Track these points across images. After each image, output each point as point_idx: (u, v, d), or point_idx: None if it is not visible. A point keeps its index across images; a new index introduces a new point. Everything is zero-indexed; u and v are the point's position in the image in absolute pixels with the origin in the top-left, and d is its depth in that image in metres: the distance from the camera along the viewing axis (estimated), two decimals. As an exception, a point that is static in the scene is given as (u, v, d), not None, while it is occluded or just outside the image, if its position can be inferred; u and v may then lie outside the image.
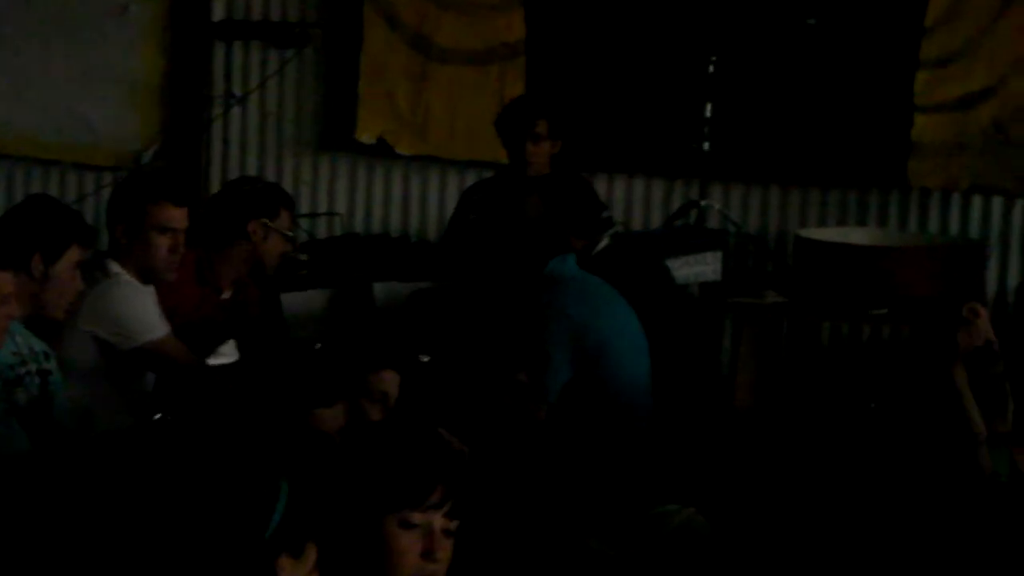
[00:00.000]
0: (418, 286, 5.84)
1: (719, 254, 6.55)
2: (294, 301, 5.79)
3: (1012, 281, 6.83)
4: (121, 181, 5.52)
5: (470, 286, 5.15)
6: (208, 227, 5.57)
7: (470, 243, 5.26)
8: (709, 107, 6.79)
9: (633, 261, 5.66)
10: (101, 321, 4.85)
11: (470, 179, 7.31)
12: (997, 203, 6.82)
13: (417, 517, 2.87)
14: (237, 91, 7.49)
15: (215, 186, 7.29)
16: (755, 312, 6.38)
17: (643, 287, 5.36)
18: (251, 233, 5.48)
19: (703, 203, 6.78)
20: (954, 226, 6.88)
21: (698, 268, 6.34)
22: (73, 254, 4.57)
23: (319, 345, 5.02)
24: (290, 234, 5.65)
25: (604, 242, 5.68)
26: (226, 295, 5.56)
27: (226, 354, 5.25)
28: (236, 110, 7.50)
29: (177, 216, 5.05)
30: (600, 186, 6.64)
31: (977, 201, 6.84)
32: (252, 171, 7.49)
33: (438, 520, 2.90)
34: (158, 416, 4.73)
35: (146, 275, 5.03)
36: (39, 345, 4.47)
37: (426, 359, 4.82)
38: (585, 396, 4.87)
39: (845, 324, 6.88)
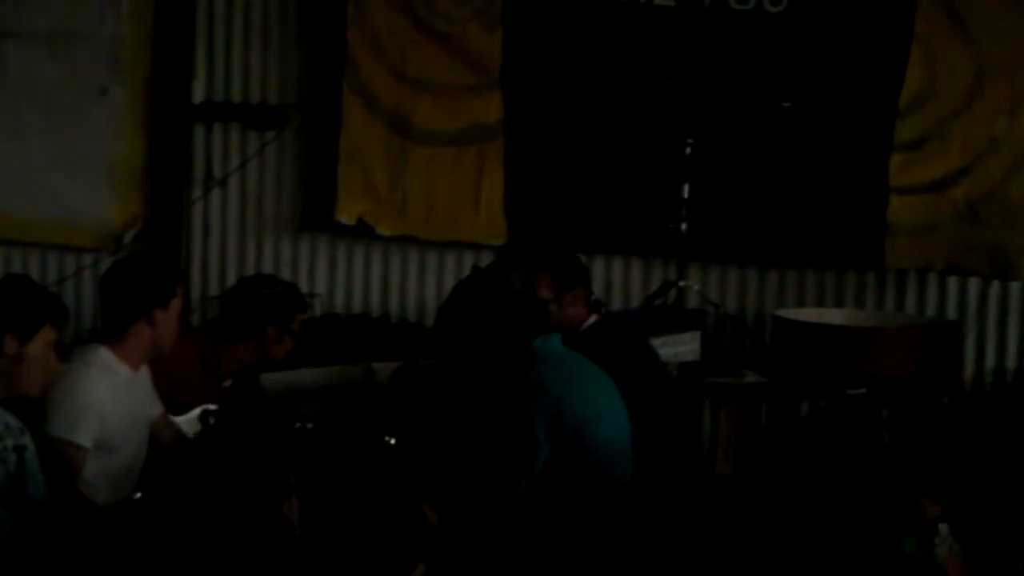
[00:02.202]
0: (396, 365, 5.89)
1: (698, 334, 6.57)
2: (276, 380, 5.82)
3: (989, 361, 6.87)
4: (139, 263, 5.48)
5: (454, 362, 5.15)
6: (222, 320, 5.68)
7: (455, 320, 5.27)
8: (686, 188, 6.83)
9: (619, 339, 5.67)
10: (46, 398, 4.88)
11: (450, 260, 7.35)
12: (973, 283, 6.87)
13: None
14: (217, 173, 7.52)
15: (196, 267, 7.31)
16: (734, 392, 6.40)
17: (629, 365, 5.38)
18: (267, 338, 5.58)
19: (681, 283, 6.81)
20: (931, 306, 6.93)
21: (677, 348, 6.37)
22: (47, 334, 4.58)
23: (301, 425, 5.06)
24: (297, 336, 5.73)
25: (592, 319, 5.70)
26: (227, 383, 5.64)
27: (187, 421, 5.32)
28: (216, 191, 7.53)
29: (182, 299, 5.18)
30: (579, 266, 6.66)
31: (953, 281, 6.90)
32: (232, 251, 7.53)
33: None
34: (138, 496, 4.74)
35: (154, 356, 5.08)
36: (14, 421, 4.47)
37: (392, 441, 4.84)
38: (564, 472, 4.88)
39: (823, 404, 6.90)
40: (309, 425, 5.11)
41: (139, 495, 4.74)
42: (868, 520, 4.35)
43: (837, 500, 5.01)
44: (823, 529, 4.69)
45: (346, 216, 7.32)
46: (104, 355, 5.00)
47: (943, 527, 4.32)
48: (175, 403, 5.33)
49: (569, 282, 5.65)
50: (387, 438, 4.98)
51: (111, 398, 4.94)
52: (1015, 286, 6.79)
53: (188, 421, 5.35)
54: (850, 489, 4.75)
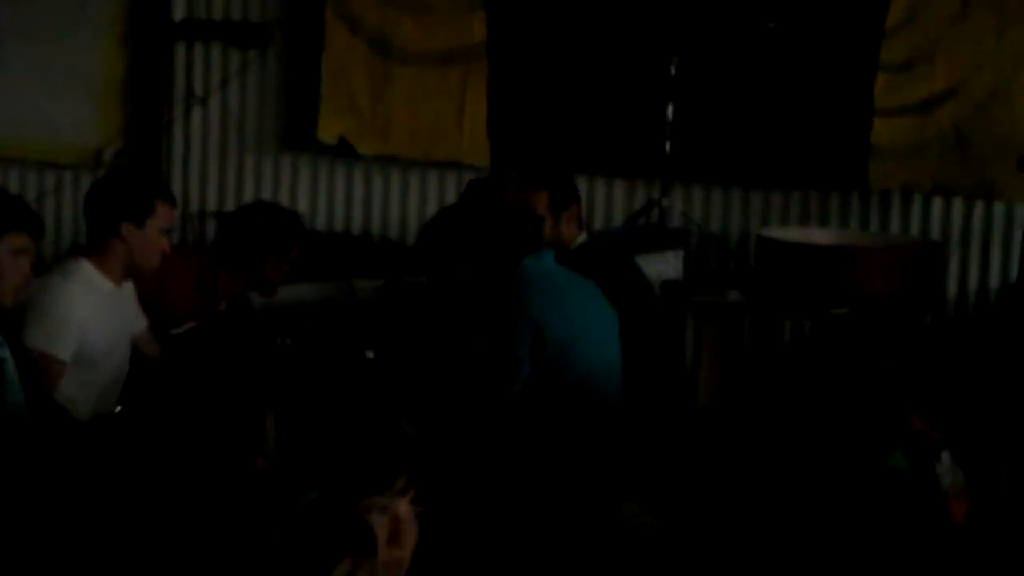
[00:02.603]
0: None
1: (680, 253, 6.56)
2: (261, 297, 5.83)
3: (972, 282, 6.87)
4: (116, 177, 5.47)
5: (441, 278, 5.12)
6: (222, 245, 5.70)
7: (447, 234, 5.24)
8: (671, 108, 6.81)
9: (608, 257, 5.67)
10: (25, 307, 4.86)
11: (432, 179, 7.32)
12: (957, 204, 6.86)
13: (382, 503, 2.86)
14: (198, 91, 7.47)
15: (176, 185, 7.28)
16: (717, 311, 6.39)
17: (617, 284, 5.37)
18: (265, 266, 5.60)
19: (665, 203, 6.79)
20: (915, 227, 6.91)
21: (660, 267, 6.35)
22: (14, 240, 4.55)
23: (282, 340, 5.06)
24: (294, 262, 5.74)
25: (583, 237, 5.70)
26: (222, 307, 5.67)
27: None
28: (197, 110, 7.49)
29: (174, 218, 5.14)
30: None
31: (938, 203, 6.88)
32: (213, 169, 7.50)
33: (403, 506, 2.89)
34: (118, 409, 4.74)
35: (132, 272, 5.06)
36: (-8, 333, 4.47)
37: (371, 355, 4.84)
38: (546, 392, 4.87)
39: (807, 323, 6.90)
40: (288, 341, 5.11)
41: (119, 408, 4.75)
42: (850, 434, 4.35)
43: (819, 413, 5.02)
44: (804, 442, 4.69)
45: (328, 135, 7.29)
46: (86, 268, 4.98)
47: (945, 455, 4.30)
48: (172, 320, 5.35)
49: (565, 201, 5.65)
50: (366, 353, 4.98)
51: (92, 312, 4.93)
52: (999, 207, 6.77)
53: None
54: (832, 403, 4.76)
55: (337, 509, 2.58)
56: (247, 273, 5.67)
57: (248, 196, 7.41)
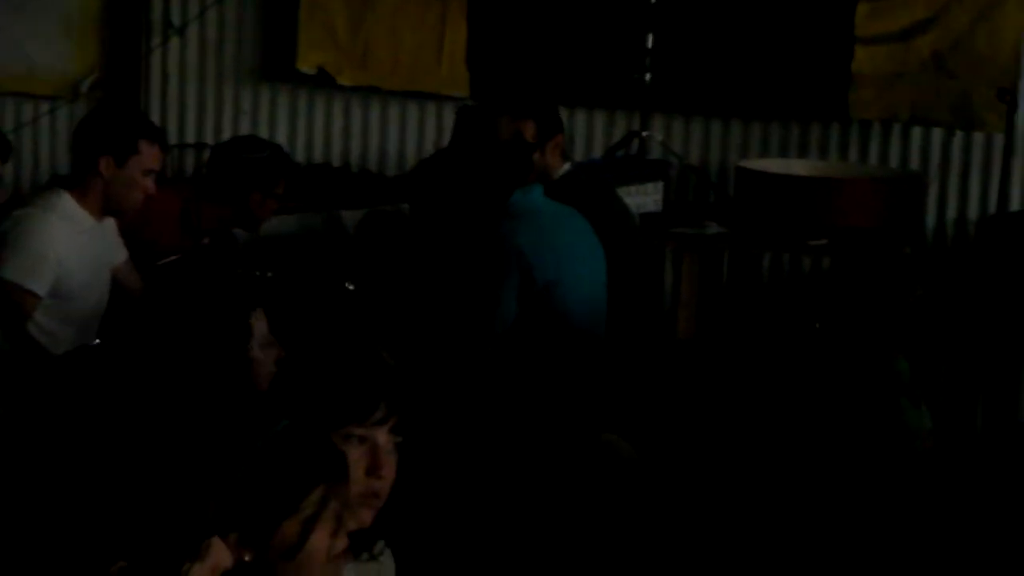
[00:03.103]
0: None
1: (660, 185, 6.55)
2: (243, 233, 5.83)
3: (951, 212, 6.87)
4: (101, 112, 5.43)
5: (429, 211, 5.09)
6: (207, 178, 5.68)
7: (439, 167, 5.22)
8: (650, 38, 6.77)
9: (591, 187, 5.66)
10: (2, 239, 4.84)
11: (412, 110, 7.29)
12: (937, 134, 6.85)
13: (361, 433, 2.87)
14: (176, 21, 7.42)
15: (155, 117, 7.23)
16: (696, 243, 6.39)
17: (597, 214, 5.37)
18: (250, 201, 5.57)
19: (644, 134, 6.77)
20: (894, 158, 6.91)
21: (639, 199, 6.34)
22: None
23: (262, 272, 5.05)
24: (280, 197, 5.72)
25: (566, 167, 5.69)
26: (206, 240, 5.65)
27: None
28: (175, 40, 7.43)
29: (160, 160, 5.11)
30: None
31: (917, 132, 6.87)
32: (192, 101, 7.45)
33: (382, 436, 2.90)
34: (96, 342, 4.74)
35: (110, 209, 5.02)
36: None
37: (351, 287, 4.84)
38: (534, 331, 4.87)
39: (786, 255, 6.91)
40: (269, 273, 5.10)
41: (97, 341, 4.74)
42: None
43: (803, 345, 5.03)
44: (788, 374, 4.71)
45: (307, 66, 7.24)
46: (67, 201, 4.96)
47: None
48: (155, 253, 5.33)
49: (551, 130, 5.64)
50: (347, 284, 4.98)
51: (72, 246, 4.91)
52: (978, 137, 6.76)
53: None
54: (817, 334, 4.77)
55: (309, 437, 2.59)
56: (232, 208, 5.65)
57: (227, 128, 7.38)
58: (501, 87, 7.01)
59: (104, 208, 5.00)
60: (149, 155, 5.00)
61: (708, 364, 6.09)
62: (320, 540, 2.34)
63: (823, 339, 4.73)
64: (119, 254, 5.17)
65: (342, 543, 2.36)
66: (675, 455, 4.60)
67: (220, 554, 2.33)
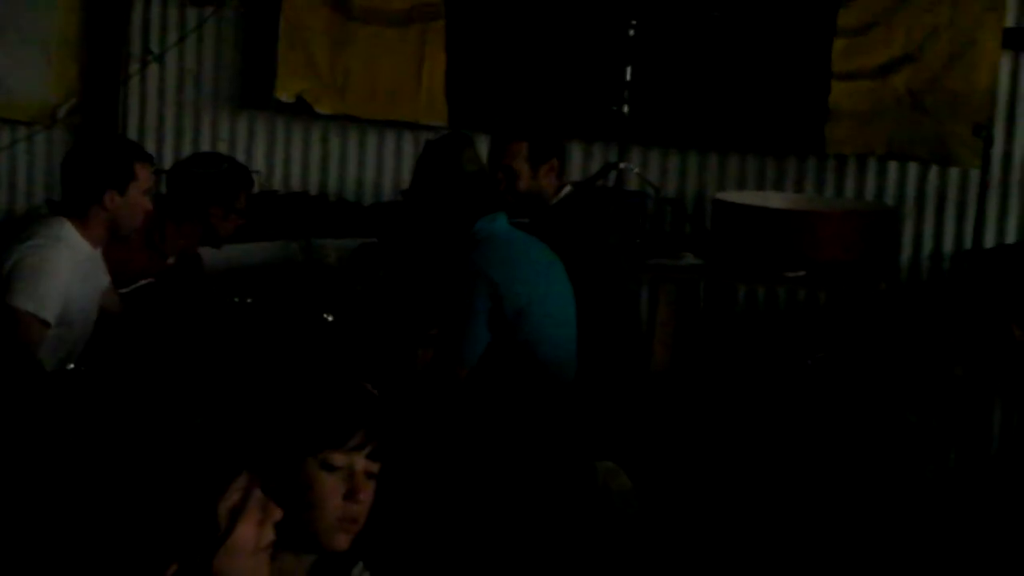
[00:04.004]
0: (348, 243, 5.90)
1: (637, 217, 6.57)
2: (215, 256, 5.81)
3: (927, 247, 6.90)
4: (94, 145, 5.43)
5: (402, 242, 5.14)
6: (168, 198, 5.68)
7: (406, 198, 5.25)
8: (629, 71, 6.80)
9: (589, 211, 5.69)
10: (14, 267, 4.86)
11: (389, 140, 7.31)
12: (912, 169, 6.89)
13: (339, 459, 2.88)
14: (155, 48, 7.43)
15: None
16: (672, 274, 6.41)
17: (593, 238, 5.39)
18: (211, 215, 5.58)
19: (622, 166, 6.79)
20: (870, 192, 6.94)
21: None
22: None
23: (240, 299, 5.05)
24: (244, 213, 5.72)
25: (567, 190, 5.71)
26: (171, 260, 5.66)
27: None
28: (154, 67, 7.45)
29: (152, 177, 5.16)
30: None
31: (893, 167, 6.91)
32: (170, 127, 7.46)
33: (360, 462, 2.90)
34: (71, 367, 4.74)
35: (117, 235, 5.07)
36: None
37: (330, 318, 4.84)
38: (506, 358, 4.88)
39: (761, 287, 6.94)
40: (248, 300, 5.10)
41: (71, 366, 4.76)
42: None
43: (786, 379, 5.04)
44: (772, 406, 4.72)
45: (285, 94, 7.25)
46: (69, 230, 5.01)
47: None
48: (124, 277, 5.35)
49: (545, 154, 5.67)
50: (325, 315, 4.97)
51: (76, 274, 4.98)
52: (953, 172, 6.80)
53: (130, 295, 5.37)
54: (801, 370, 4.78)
55: (232, 426, 2.58)
56: (193, 225, 5.65)
57: (205, 156, 7.38)
58: (477, 118, 7.03)
59: (110, 235, 5.06)
60: (144, 176, 5.07)
61: (683, 395, 6.11)
62: (246, 530, 2.33)
63: (816, 375, 4.75)
64: (105, 279, 5.21)
65: (269, 535, 2.35)
66: (659, 484, 4.61)
67: None
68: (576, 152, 7.15)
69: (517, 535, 3.35)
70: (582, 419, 4.80)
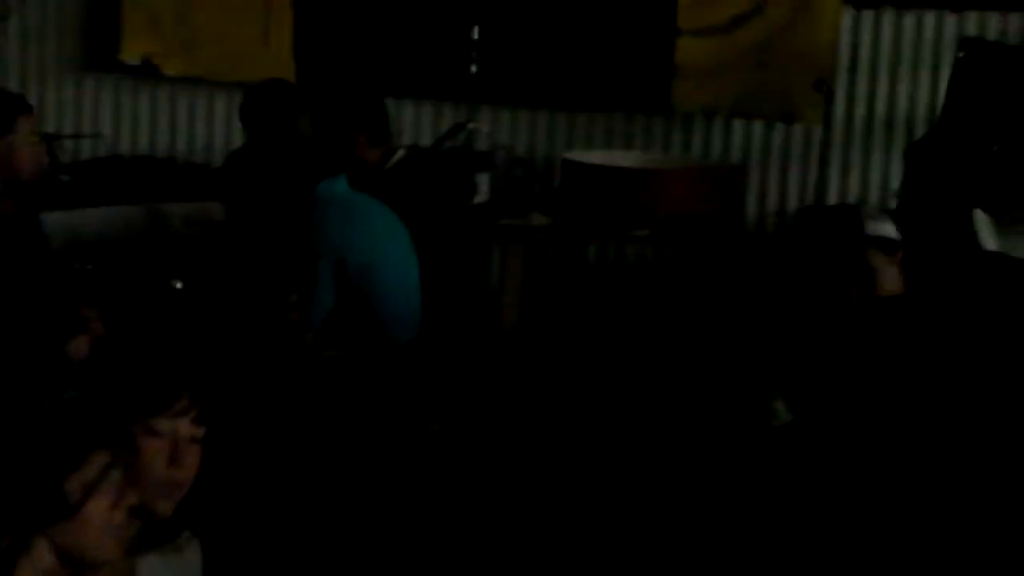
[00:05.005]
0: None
1: (487, 176, 6.58)
2: (57, 221, 5.72)
3: (771, 204, 6.99)
4: None
5: (244, 209, 5.10)
6: None
7: (245, 164, 5.21)
8: (477, 30, 6.80)
9: (425, 174, 5.67)
10: None
11: (237, 101, 7.20)
12: (758, 126, 6.96)
13: (163, 424, 2.86)
14: (-3, 10, 7.32)
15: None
16: (521, 233, 6.43)
17: (432, 201, 5.38)
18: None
19: (471, 125, 6.80)
20: (716, 149, 7.01)
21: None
22: None
23: (81, 265, 4.98)
24: (34, 142, 5.56)
25: (400, 154, 5.68)
26: None
27: None
28: (-3, 29, 7.35)
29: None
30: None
31: (739, 124, 6.97)
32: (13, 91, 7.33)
33: (184, 427, 2.90)
34: None
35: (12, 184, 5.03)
36: None
37: (179, 285, 4.80)
38: (349, 319, 4.88)
39: (611, 246, 6.98)
40: (89, 266, 5.04)
41: None
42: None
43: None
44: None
45: (131, 56, 7.17)
46: None
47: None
48: None
49: (380, 140, 5.65)
50: (174, 282, 4.93)
51: None
52: (798, 129, 6.88)
53: None
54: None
55: (95, 408, 2.57)
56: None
57: (50, 119, 7.28)
58: (326, 77, 7.00)
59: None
60: (26, 125, 5.04)
61: (533, 354, 6.14)
62: (98, 506, 2.32)
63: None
64: None
65: (121, 516, 2.35)
66: (498, 444, 4.63)
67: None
68: (426, 112, 7.15)
69: (345, 497, 3.36)
70: (421, 379, 4.81)
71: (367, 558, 3.52)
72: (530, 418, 5.34)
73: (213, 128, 7.29)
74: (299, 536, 3.36)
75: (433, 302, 5.27)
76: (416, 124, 7.16)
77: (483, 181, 6.56)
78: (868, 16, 6.84)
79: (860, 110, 6.86)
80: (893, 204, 6.21)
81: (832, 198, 6.78)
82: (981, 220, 4.39)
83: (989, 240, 4.37)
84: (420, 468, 3.86)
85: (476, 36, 6.80)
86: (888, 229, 4.10)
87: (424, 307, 5.21)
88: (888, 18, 6.84)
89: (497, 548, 4.08)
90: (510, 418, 5.22)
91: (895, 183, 6.58)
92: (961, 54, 5.99)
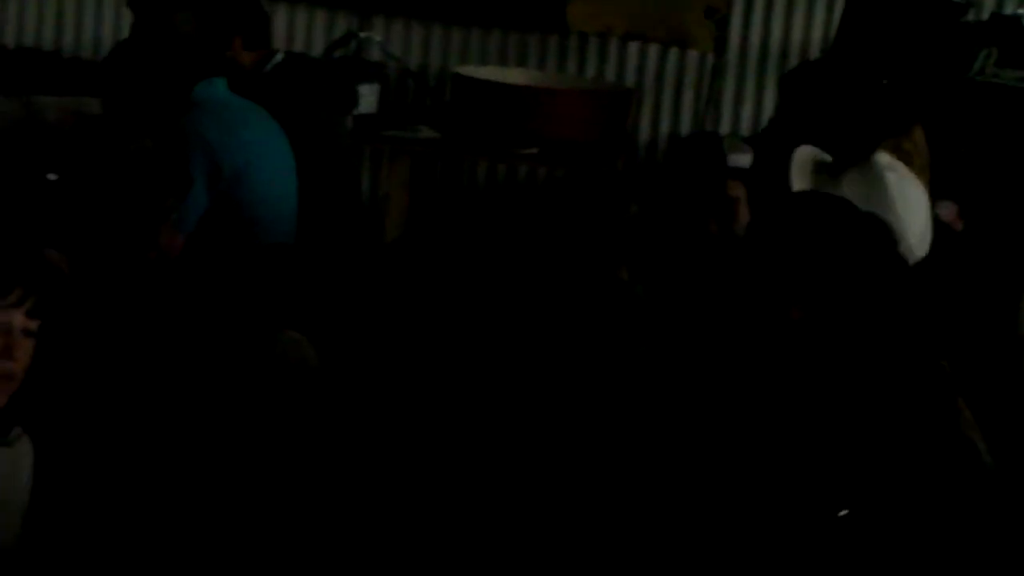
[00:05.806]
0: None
1: (376, 87, 6.52)
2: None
3: (664, 127, 6.96)
4: None
5: (121, 104, 5.00)
6: None
7: (125, 57, 5.10)
8: (373, -63, 6.73)
9: (303, 80, 5.59)
10: None
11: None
12: (653, 50, 6.92)
13: (-8, 316, 2.81)
14: None
15: None
16: (408, 146, 6.38)
17: (308, 108, 5.30)
18: None
19: (363, 35, 6.72)
20: (611, 72, 6.97)
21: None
22: None
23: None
24: None
25: (279, 57, 5.59)
26: None
27: None
28: None
29: None
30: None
31: (634, 48, 6.93)
32: None
33: (18, 319, 2.85)
34: None
35: None
36: None
37: (54, 177, 4.71)
38: (223, 222, 4.82)
39: (501, 164, 6.94)
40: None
41: None
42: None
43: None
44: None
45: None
46: None
47: None
48: None
49: (257, 43, 5.55)
50: (49, 175, 4.84)
51: None
52: (692, 55, 6.85)
53: None
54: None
55: None
56: None
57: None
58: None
59: None
60: None
61: (413, 266, 6.09)
62: None
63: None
64: None
65: None
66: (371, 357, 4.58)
67: None
68: (319, 18, 7.05)
69: (180, 397, 3.30)
70: (290, 287, 4.75)
71: (196, 456, 3.44)
72: (398, 329, 5.28)
73: (102, 22, 7.15)
74: (127, 434, 3.29)
75: (312, 211, 5.21)
76: (309, 30, 7.06)
77: (371, 92, 6.49)
78: (766, -57, 6.82)
79: (755, 38, 6.84)
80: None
81: (725, 125, 6.76)
82: (800, 157, 4.27)
83: (798, 180, 4.24)
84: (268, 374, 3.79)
85: (372, -56, 6.72)
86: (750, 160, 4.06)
87: (302, 215, 5.15)
88: (786, -55, 6.82)
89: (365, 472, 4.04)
90: (376, 326, 5.16)
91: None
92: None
